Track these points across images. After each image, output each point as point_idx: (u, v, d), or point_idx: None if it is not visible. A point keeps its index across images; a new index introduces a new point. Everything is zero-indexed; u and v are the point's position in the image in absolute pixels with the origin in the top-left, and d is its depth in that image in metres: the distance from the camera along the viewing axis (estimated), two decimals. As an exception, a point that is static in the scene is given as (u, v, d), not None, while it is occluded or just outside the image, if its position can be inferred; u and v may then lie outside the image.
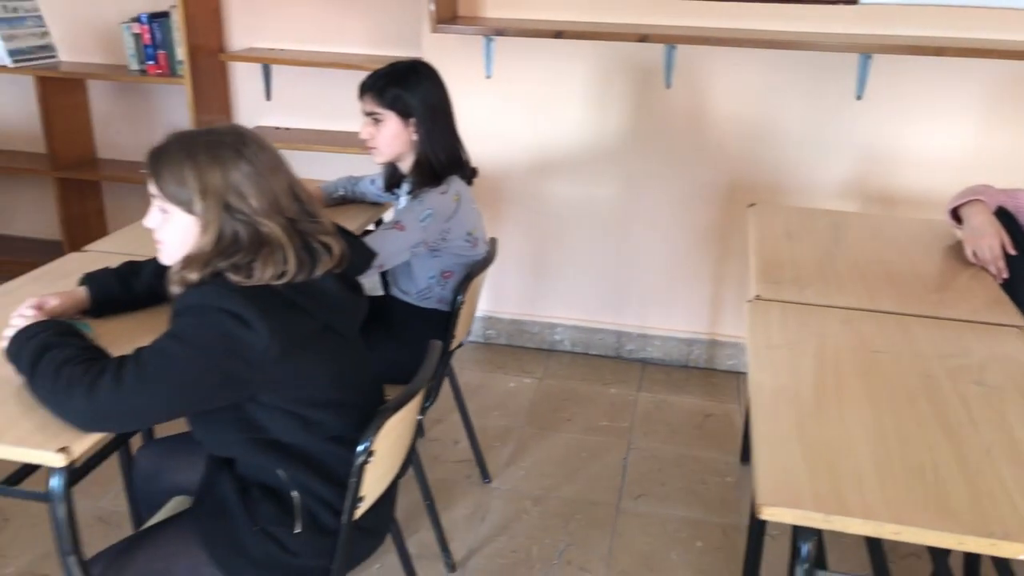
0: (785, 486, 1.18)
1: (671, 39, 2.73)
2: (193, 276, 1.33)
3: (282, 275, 1.34)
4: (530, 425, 2.87)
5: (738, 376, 3.22)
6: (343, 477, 1.43)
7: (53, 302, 1.52)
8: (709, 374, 3.25)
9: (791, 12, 2.79)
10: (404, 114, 2.01)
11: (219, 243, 1.33)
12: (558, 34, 2.75)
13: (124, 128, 3.76)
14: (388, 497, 1.62)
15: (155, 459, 1.74)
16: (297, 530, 1.43)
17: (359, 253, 1.52)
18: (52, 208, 3.68)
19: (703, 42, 2.70)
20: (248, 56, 3.36)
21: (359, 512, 1.45)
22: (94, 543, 2.24)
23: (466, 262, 2.12)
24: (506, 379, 3.16)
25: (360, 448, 1.38)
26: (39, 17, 3.57)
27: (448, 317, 2.12)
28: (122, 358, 1.29)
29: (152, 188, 1.36)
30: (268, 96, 3.52)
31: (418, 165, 2.06)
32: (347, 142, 3.32)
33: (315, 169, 2.96)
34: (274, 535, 1.42)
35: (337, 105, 3.45)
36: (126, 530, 2.28)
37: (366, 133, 2.05)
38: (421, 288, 2.13)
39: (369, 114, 2.03)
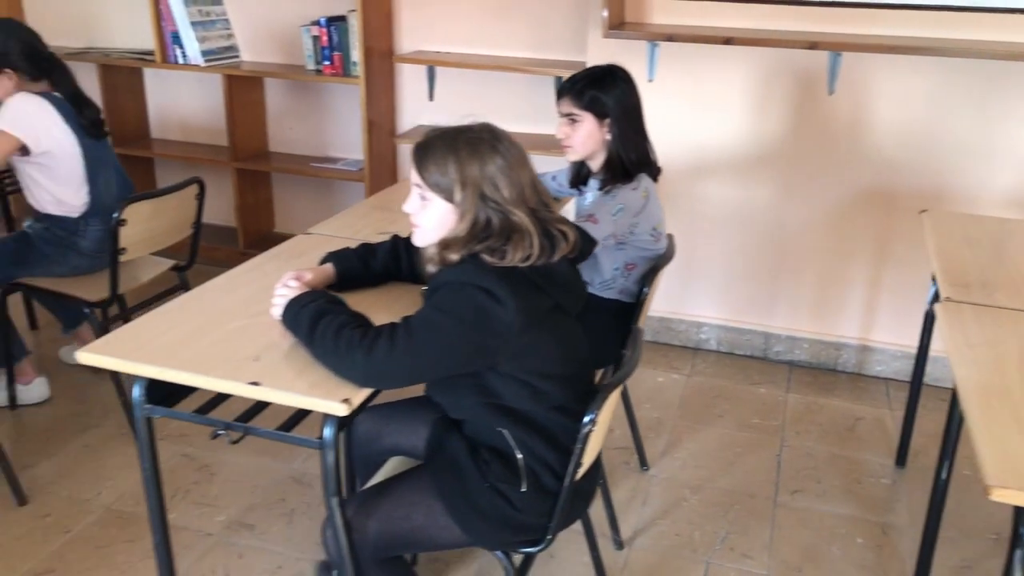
0: (1012, 472, 1.25)
1: (841, 47, 2.77)
2: (453, 257, 1.50)
3: (527, 258, 1.49)
4: (682, 419, 2.96)
5: (887, 383, 3.23)
6: (564, 443, 1.57)
7: (308, 275, 1.72)
8: (857, 379, 3.26)
9: (963, 20, 2.79)
10: (600, 115, 2.15)
11: (473, 228, 1.50)
12: (728, 40, 2.83)
13: (295, 124, 4.05)
14: (596, 465, 1.76)
15: (373, 424, 1.91)
16: (523, 489, 1.58)
17: (585, 240, 1.67)
18: (229, 197, 4.01)
19: (875, 50, 2.72)
20: (417, 58, 3.57)
21: (579, 475, 1.60)
22: (290, 500, 2.49)
23: (649, 255, 2.24)
24: (655, 374, 3.27)
25: (587, 418, 1.52)
26: (226, 20, 3.89)
27: (625, 307, 2.26)
28: (393, 324, 1.47)
29: (415, 177, 1.53)
30: (431, 97, 3.73)
31: (609, 163, 2.19)
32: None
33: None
34: (502, 492, 1.58)
35: (496, 105, 3.62)
36: (317, 489, 2.50)
37: (562, 133, 2.20)
38: (606, 278, 2.26)
39: (566, 115, 2.18)
